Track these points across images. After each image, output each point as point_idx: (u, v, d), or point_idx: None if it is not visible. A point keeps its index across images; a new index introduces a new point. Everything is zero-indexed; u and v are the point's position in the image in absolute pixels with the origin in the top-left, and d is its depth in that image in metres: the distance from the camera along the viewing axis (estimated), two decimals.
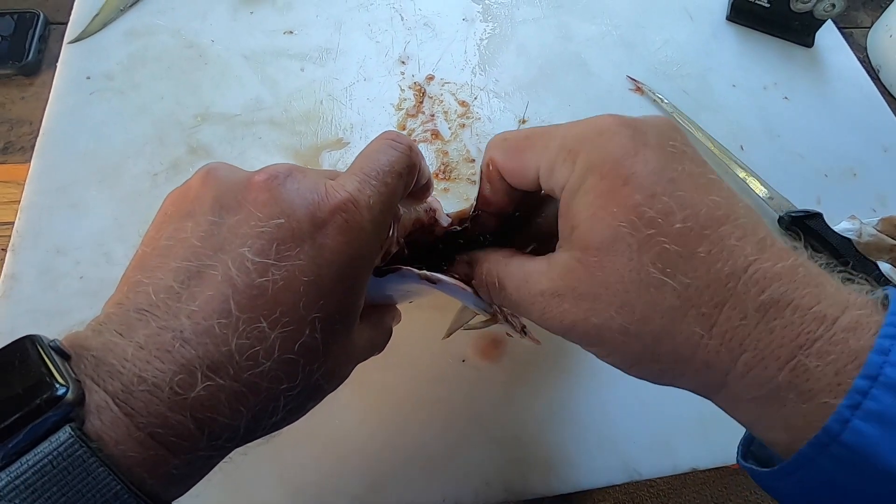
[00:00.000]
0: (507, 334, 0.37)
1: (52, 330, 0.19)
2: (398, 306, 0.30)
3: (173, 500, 0.19)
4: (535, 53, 0.50)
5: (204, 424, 0.18)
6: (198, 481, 0.20)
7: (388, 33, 0.49)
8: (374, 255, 0.23)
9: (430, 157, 0.43)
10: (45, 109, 0.42)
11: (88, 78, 0.44)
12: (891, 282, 0.39)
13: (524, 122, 0.46)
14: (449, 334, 0.34)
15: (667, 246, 0.19)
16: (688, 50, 0.52)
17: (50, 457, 0.15)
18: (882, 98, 0.52)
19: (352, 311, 0.22)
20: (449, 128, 0.45)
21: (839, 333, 0.17)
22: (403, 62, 0.48)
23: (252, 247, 0.19)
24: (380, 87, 0.46)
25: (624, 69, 0.50)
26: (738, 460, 0.22)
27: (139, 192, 0.39)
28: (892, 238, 0.40)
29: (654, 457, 0.34)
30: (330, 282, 0.20)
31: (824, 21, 0.52)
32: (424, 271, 0.25)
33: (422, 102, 0.46)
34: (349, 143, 0.43)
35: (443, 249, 0.29)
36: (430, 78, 0.47)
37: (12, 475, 0.15)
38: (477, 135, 0.45)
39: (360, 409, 0.34)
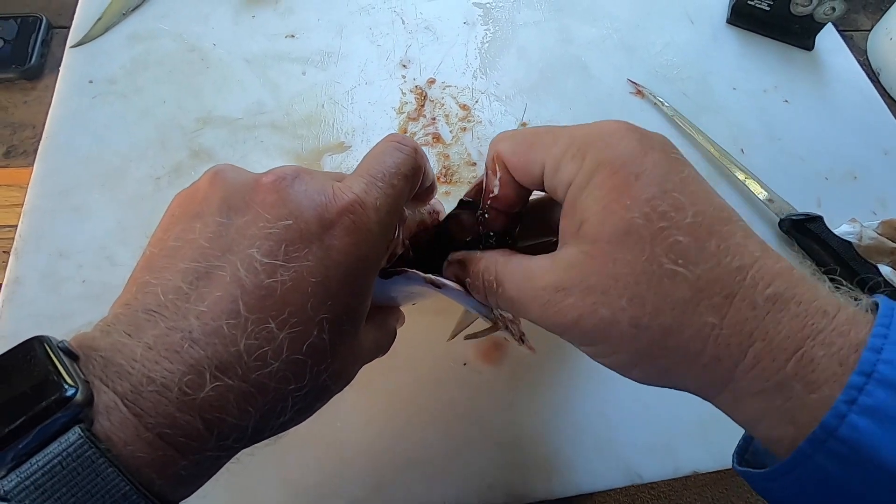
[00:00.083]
0: (506, 339, 0.37)
1: (55, 334, 0.19)
2: (401, 308, 0.31)
3: (181, 500, 0.19)
4: (535, 57, 0.50)
5: (212, 425, 0.18)
6: (205, 482, 0.20)
7: (390, 37, 0.50)
8: (381, 256, 0.23)
9: (431, 161, 0.43)
10: (47, 113, 0.42)
11: (91, 82, 0.44)
12: (892, 285, 0.39)
13: (524, 125, 0.46)
14: (453, 336, 0.34)
15: (679, 238, 0.19)
16: (688, 53, 0.53)
17: (59, 458, 0.15)
18: (882, 101, 0.52)
19: (359, 312, 0.22)
20: (450, 131, 0.45)
21: (840, 326, 0.18)
22: (405, 66, 0.48)
23: (261, 248, 0.19)
24: (381, 91, 0.46)
25: (624, 72, 0.50)
26: (733, 466, 0.22)
27: (142, 196, 0.40)
28: (893, 241, 0.40)
29: (655, 460, 0.35)
30: (337, 283, 0.20)
31: (824, 24, 0.52)
32: (430, 275, 0.25)
33: (423, 106, 0.46)
34: (351, 146, 0.44)
35: (445, 250, 0.29)
36: (432, 81, 0.47)
37: (22, 476, 0.15)
38: (478, 138, 0.45)
39: (362, 412, 0.34)
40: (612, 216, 0.20)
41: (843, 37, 0.56)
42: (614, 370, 0.22)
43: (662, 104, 0.48)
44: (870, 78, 0.54)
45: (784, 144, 0.49)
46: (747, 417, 0.20)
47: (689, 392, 0.21)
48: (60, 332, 0.19)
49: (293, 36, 0.49)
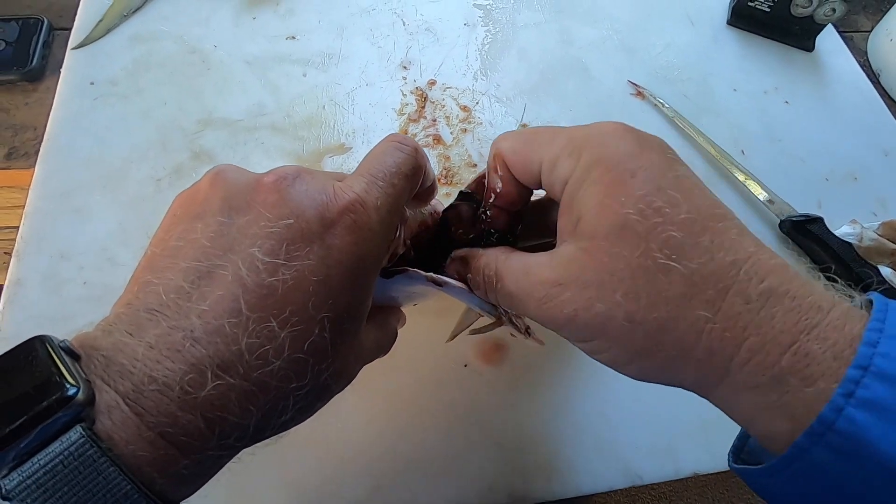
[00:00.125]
0: (511, 335, 0.37)
1: (57, 335, 0.18)
2: (402, 309, 0.31)
3: (182, 500, 0.19)
4: (536, 58, 0.50)
5: (214, 424, 0.18)
6: (206, 481, 0.20)
7: (390, 38, 0.50)
8: (382, 255, 0.23)
9: (431, 162, 0.43)
10: (48, 115, 0.42)
11: (92, 83, 0.44)
12: (892, 286, 0.39)
13: (525, 126, 0.46)
14: (452, 337, 0.34)
15: (674, 234, 0.20)
16: (689, 54, 0.53)
17: (61, 457, 0.15)
18: (882, 102, 0.52)
19: (360, 311, 0.22)
20: (451, 132, 0.45)
21: (834, 321, 0.18)
22: (405, 67, 0.48)
23: (262, 247, 0.19)
24: (382, 93, 0.47)
25: (625, 73, 0.50)
26: (729, 465, 0.22)
27: (143, 198, 0.40)
28: (893, 242, 0.40)
29: (656, 461, 0.35)
30: (339, 281, 0.20)
31: (825, 25, 0.52)
32: (431, 273, 0.25)
33: (423, 107, 0.46)
34: (351, 148, 0.44)
35: (446, 249, 0.29)
36: (432, 83, 0.48)
37: (24, 475, 0.15)
38: (479, 139, 0.45)
39: (362, 414, 0.34)
40: (608, 212, 0.20)
41: (844, 38, 0.56)
42: (611, 367, 0.22)
43: (663, 105, 0.48)
44: (870, 79, 0.54)
45: (784, 146, 0.49)
46: (744, 413, 0.20)
47: (686, 388, 0.21)
48: (62, 333, 0.19)
49: (294, 37, 0.49)
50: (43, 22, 0.47)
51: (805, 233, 0.42)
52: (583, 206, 0.21)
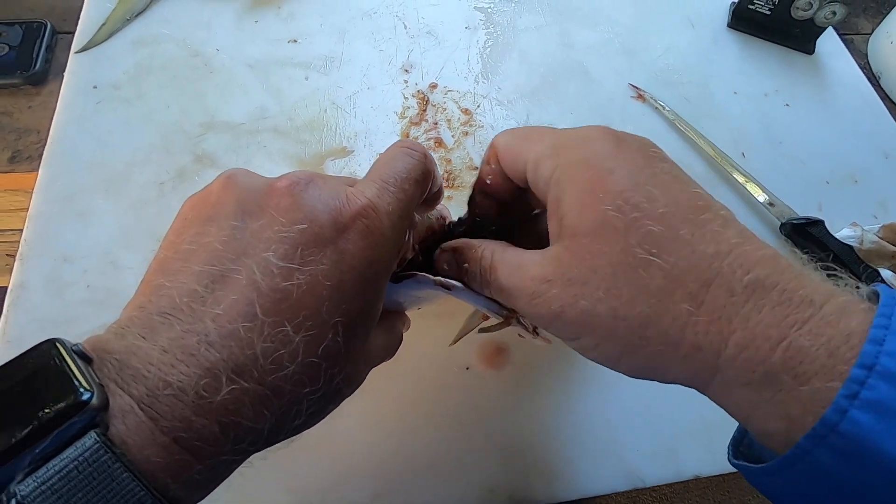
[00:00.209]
0: (519, 335, 0.37)
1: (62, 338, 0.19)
2: (407, 313, 0.31)
3: None
4: (537, 61, 0.51)
5: (228, 428, 0.18)
6: (217, 486, 0.20)
7: (392, 42, 0.50)
8: (393, 259, 0.23)
9: None
10: (52, 119, 0.42)
11: (95, 87, 0.44)
12: (892, 287, 0.39)
13: None
14: (456, 341, 0.35)
15: (652, 228, 0.20)
16: (689, 57, 0.53)
17: (75, 462, 0.15)
18: (883, 104, 0.52)
19: (371, 316, 0.22)
20: (452, 136, 0.45)
21: (828, 316, 0.18)
22: (407, 70, 0.48)
23: (276, 251, 0.19)
24: (383, 96, 0.47)
25: (625, 77, 0.51)
26: (728, 459, 0.22)
27: (146, 201, 0.40)
28: (894, 245, 0.41)
29: (658, 464, 0.35)
30: (352, 286, 0.21)
31: (825, 28, 0.52)
32: (440, 278, 0.25)
33: (425, 111, 0.46)
34: (353, 151, 0.44)
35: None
36: (434, 86, 0.48)
37: (39, 480, 0.15)
38: (480, 143, 0.45)
39: (364, 417, 0.34)
40: (587, 210, 0.21)
41: (844, 40, 0.56)
42: (601, 363, 0.22)
43: (663, 108, 0.48)
44: (870, 81, 0.54)
45: (785, 148, 0.49)
46: (739, 410, 0.20)
47: (681, 384, 0.21)
48: (66, 336, 0.19)
49: (296, 41, 0.49)
50: (46, 26, 0.47)
51: (806, 235, 0.42)
52: (565, 205, 0.21)
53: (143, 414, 0.17)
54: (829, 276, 0.20)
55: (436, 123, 0.46)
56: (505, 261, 0.24)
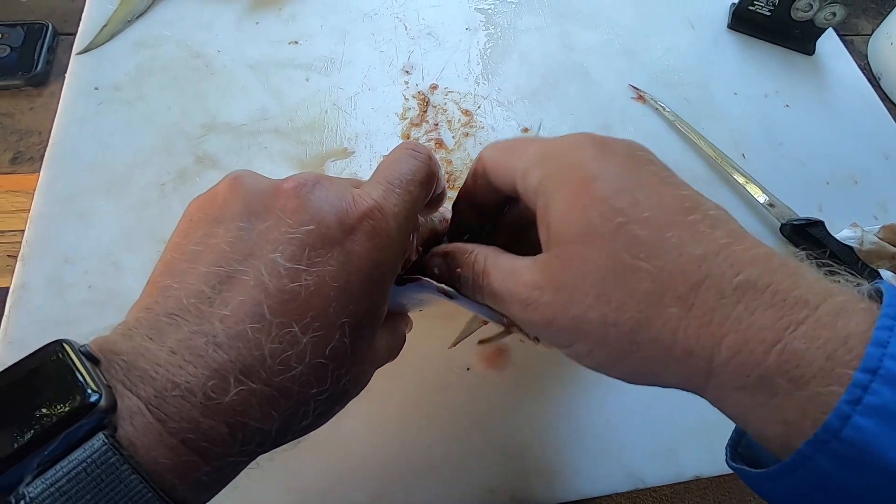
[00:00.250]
0: (521, 340, 0.37)
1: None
2: (409, 314, 0.31)
3: None
4: (537, 62, 0.51)
5: (236, 429, 0.18)
6: (224, 487, 0.20)
7: (392, 43, 0.50)
8: (399, 261, 0.23)
9: None
10: (53, 120, 0.43)
11: (96, 88, 0.44)
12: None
13: (526, 130, 0.47)
14: (456, 343, 0.35)
15: (638, 232, 0.19)
16: (689, 58, 0.53)
17: (84, 464, 0.15)
18: (883, 105, 0.52)
19: (377, 316, 0.22)
20: (452, 137, 0.45)
21: (824, 317, 0.17)
22: (407, 72, 0.48)
23: (284, 252, 0.20)
24: (384, 97, 0.47)
25: (626, 77, 0.51)
26: (726, 462, 0.22)
27: (147, 202, 0.40)
28: (894, 245, 0.41)
29: (658, 465, 0.35)
30: (358, 287, 0.21)
31: (825, 29, 0.52)
32: (443, 285, 0.25)
33: (425, 112, 0.46)
34: (354, 152, 0.44)
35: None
36: (434, 87, 0.48)
37: (47, 482, 0.15)
38: (480, 144, 0.45)
39: (364, 417, 0.34)
40: (573, 217, 0.21)
41: (844, 41, 0.56)
42: (596, 370, 0.22)
43: (664, 109, 0.49)
44: (870, 82, 0.54)
45: (785, 149, 0.49)
46: (735, 414, 0.19)
47: (678, 388, 0.21)
48: (67, 337, 0.19)
49: (296, 42, 0.49)
50: (47, 27, 0.47)
51: (806, 236, 0.42)
52: (552, 213, 0.21)
53: (150, 415, 0.17)
54: (829, 272, 0.19)
55: (436, 124, 0.46)
56: (498, 266, 0.24)
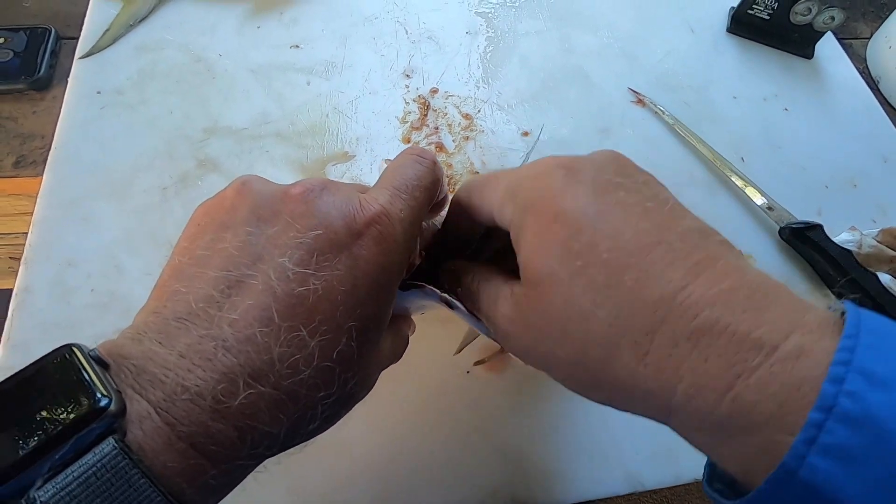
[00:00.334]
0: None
1: (65, 342, 0.19)
2: (412, 317, 0.31)
3: None
4: (537, 66, 0.51)
5: (245, 433, 0.18)
6: (231, 490, 0.20)
7: (393, 47, 0.50)
8: (404, 265, 0.24)
9: None
10: (56, 124, 0.43)
11: (99, 92, 0.45)
12: (891, 293, 0.39)
13: (526, 134, 0.47)
14: (460, 350, 0.35)
15: (594, 276, 0.19)
16: (689, 62, 0.53)
17: (94, 468, 0.16)
18: (882, 109, 0.53)
19: (383, 320, 0.23)
20: (453, 140, 0.46)
21: (779, 364, 0.16)
22: (408, 75, 0.49)
23: (292, 257, 0.20)
24: (385, 101, 0.47)
25: (625, 81, 0.51)
26: (703, 486, 0.21)
27: (149, 206, 0.40)
28: (893, 249, 0.41)
29: (658, 467, 0.35)
30: (365, 291, 0.21)
31: (824, 33, 0.53)
32: (445, 295, 0.25)
33: (426, 115, 0.47)
34: (355, 156, 0.44)
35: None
36: (434, 91, 0.48)
37: (58, 486, 0.15)
38: (481, 147, 0.45)
39: (365, 421, 0.34)
40: (536, 260, 0.21)
41: (843, 45, 0.57)
42: (577, 393, 0.22)
43: (663, 113, 0.49)
44: (869, 86, 0.54)
45: (784, 153, 0.49)
46: (699, 447, 0.19)
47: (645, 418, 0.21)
48: (69, 340, 0.19)
49: (298, 46, 0.49)
50: (50, 31, 0.48)
51: (804, 240, 0.42)
52: (521, 252, 0.22)
53: (160, 419, 0.17)
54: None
55: (437, 128, 0.46)
56: (486, 290, 0.24)
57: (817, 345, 0.16)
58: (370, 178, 0.43)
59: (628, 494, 0.34)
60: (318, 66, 0.48)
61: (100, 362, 0.17)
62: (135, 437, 0.17)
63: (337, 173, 0.43)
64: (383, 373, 0.27)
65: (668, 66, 0.52)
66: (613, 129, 0.48)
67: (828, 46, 0.56)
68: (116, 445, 0.16)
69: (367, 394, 0.24)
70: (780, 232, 0.44)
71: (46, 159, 0.41)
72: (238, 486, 0.31)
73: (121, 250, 0.38)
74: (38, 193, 0.40)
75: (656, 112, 0.49)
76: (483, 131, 0.46)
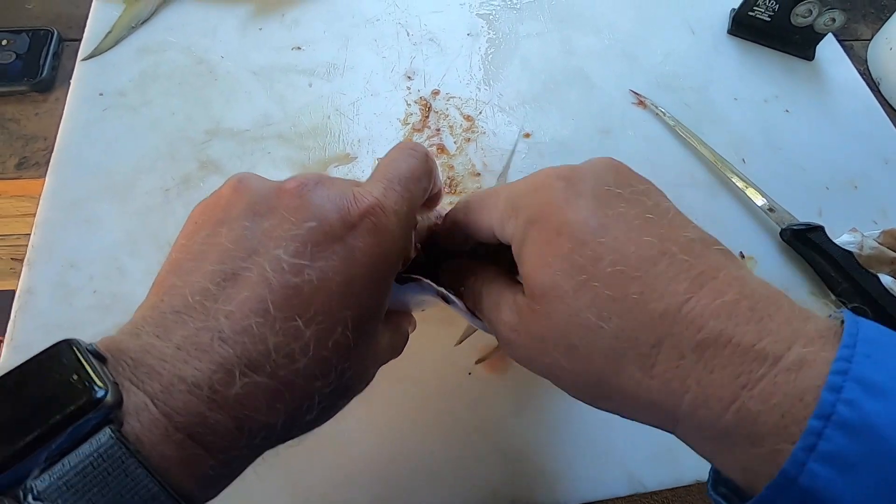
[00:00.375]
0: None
1: None
2: (413, 313, 0.31)
3: (208, 501, 0.19)
4: (538, 68, 0.51)
5: (242, 423, 0.18)
6: (230, 482, 0.20)
7: (394, 49, 0.50)
8: (399, 257, 0.24)
9: None
10: (58, 125, 0.43)
11: (101, 94, 0.45)
12: (893, 295, 0.39)
13: (528, 136, 0.47)
14: (461, 341, 0.35)
15: (599, 290, 0.20)
16: (689, 63, 0.53)
17: (91, 458, 0.16)
18: (882, 110, 0.53)
19: (379, 311, 0.23)
20: (454, 142, 0.46)
21: (782, 374, 0.17)
22: (409, 77, 0.49)
23: (287, 249, 0.20)
24: (386, 102, 0.47)
25: (626, 83, 0.51)
26: (707, 491, 0.21)
27: (151, 207, 0.40)
28: (894, 250, 0.41)
29: (659, 469, 0.35)
30: (361, 281, 0.21)
31: (825, 34, 0.53)
32: (442, 289, 0.26)
33: (427, 117, 0.47)
34: (356, 157, 0.44)
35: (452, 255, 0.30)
36: (436, 93, 0.48)
37: (55, 476, 0.15)
38: (482, 149, 0.46)
39: (366, 422, 0.34)
40: (540, 274, 0.21)
41: (844, 47, 0.57)
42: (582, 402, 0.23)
43: (664, 114, 0.49)
44: (870, 87, 0.54)
45: (785, 154, 0.49)
46: (703, 455, 0.20)
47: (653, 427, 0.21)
48: None
49: (299, 48, 0.49)
50: (53, 33, 0.48)
51: (805, 241, 0.42)
52: (524, 266, 0.22)
53: (157, 410, 0.17)
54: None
55: (438, 130, 0.46)
56: (488, 293, 0.25)
57: (818, 355, 0.17)
58: None
59: (629, 496, 0.34)
60: (319, 67, 0.48)
61: (97, 356, 0.18)
62: (132, 428, 0.17)
63: (338, 175, 0.43)
64: (384, 373, 0.27)
65: (668, 68, 0.53)
66: (614, 131, 0.48)
67: (829, 48, 0.56)
68: (113, 435, 0.16)
69: (365, 386, 0.24)
70: (781, 233, 0.44)
71: (49, 161, 0.41)
72: (239, 486, 0.31)
73: (123, 252, 0.38)
74: (40, 195, 0.40)
75: (657, 113, 0.49)
76: (484, 133, 0.46)
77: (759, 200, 0.44)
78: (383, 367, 0.27)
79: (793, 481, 0.16)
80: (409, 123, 0.46)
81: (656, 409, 0.19)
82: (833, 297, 0.42)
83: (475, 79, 0.49)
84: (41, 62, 0.46)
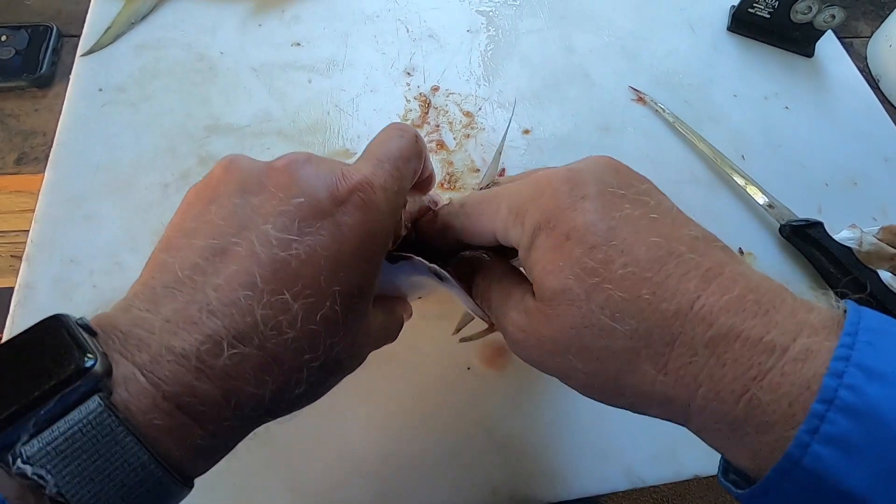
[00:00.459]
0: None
1: None
2: (409, 302, 0.31)
3: (199, 474, 0.19)
4: (538, 64, 0.51)
5: (230, 394, 0.19)
6: (223, 456, 0.20)
7: (394, 45, 0.50)
8: (388, 235, 0.24)
9: (435, 168, 0.44)
10: (58, 121, 0.43)
11: (101, 90, 0.45)
12: (892, 290, 0.39)
13: (528, 132, 0.47)
14: (458, 330, 0.35)
15: (612, 292, 0.20)
16: (689, 60, 0.53)
17: (80, 425, 0.16)
18: (882, 107, 0.53)
19: (368, 287, 0.23)
20: (454, 138, 0.46)
21: (789, 364, 0.17)
22: (409, 73, 0.49)
23: (275, 224, 0.20)
24: (386, 99, 0.47)
25: (626, 80, 0.51)
26: (718, 478, 0.22)
27: (150, 203, 0.40)
28: (893, 247, 0.41)
29: (658, 464, 0.35)
30: (349, 256, 0.21)
31: (824, 31, 0.53)
32: (435, 266, 0.26)
33: (427, 113, 0.47)
34: (356, 153, 0.44)
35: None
36: (436, 89, 0.48)
37: (44, 442, 0.16)
38: (481, 145, 0.46)
39: (365, 418, 0.35)
40: (550, 279, 0.21)
41: (843, 44, 0.57)
42: (594, 400, 0.23)
43: (664, 111, 0.49)
44: (870, 84, 0.54)
45: (785, 151, 0.49)
46: (713, 446, 0.21)
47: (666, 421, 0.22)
48: None
49: (299, 44, 0.49)
50: (52, 29, 0.48)
51: (805, 237, 0.42)
52: (533, 271, 0.22)
53: (145, 380, 0.17)
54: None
55: (437, 126, 0.46)
56: (498, 289, 0.25)
57: (823, 345, 0.17)
58: None
59: (628, 491, 0.35)
60: (319, 63, 0.48)
61: (88, 330, 0.18)
62: (121, 397, 0.17)
63: None
64: (382, 369, 0.27)
65: (668, 65, 0.53)
66: (614, 128, 0.48)
67: (828, 45, 0.56)
68: (102, 403, 0.16)
69: (357, 366, 0.24)
70: (780, 230, 0.44)
71: (48, 156, 0.41)
72: (239, 486, 0.32)
73: (122, 247, 0.38)
74: (39, 191, 0.40)
75: (657, 110, 0.49)
76: (484, 129, 0.46)
77: (759, 197, 0.45)
78: (382, 364, 0.27)
79: (797, 463, 0.16)
80: (408, 119, 0.46)
81: (669, 404, 0.20)
82: (832, 293, 0.42)
83: (475, 75, 0.49)
84: (41, 58, 0.46)
